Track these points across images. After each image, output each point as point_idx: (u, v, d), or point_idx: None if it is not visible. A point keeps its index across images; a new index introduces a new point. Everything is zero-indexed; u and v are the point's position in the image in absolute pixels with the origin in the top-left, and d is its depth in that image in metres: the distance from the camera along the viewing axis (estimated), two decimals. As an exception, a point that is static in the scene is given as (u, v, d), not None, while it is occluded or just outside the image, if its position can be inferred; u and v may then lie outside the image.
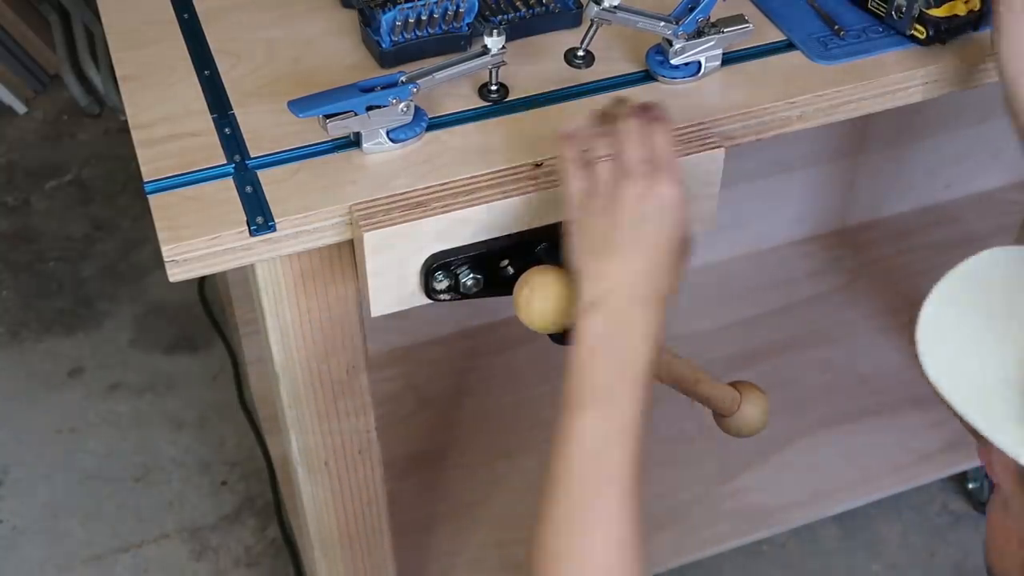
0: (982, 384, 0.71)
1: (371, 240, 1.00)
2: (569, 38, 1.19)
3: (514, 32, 1.17)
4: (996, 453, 0.73)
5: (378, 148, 1.06)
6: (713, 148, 1.08)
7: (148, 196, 1.02)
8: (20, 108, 2.75)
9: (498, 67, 1.10)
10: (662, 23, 1.12)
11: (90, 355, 2.17)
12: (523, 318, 0.98)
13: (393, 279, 1.04)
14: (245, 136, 1.08)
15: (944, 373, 0.73)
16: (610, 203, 0.93)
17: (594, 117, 1.01)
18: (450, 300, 1.06)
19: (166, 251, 0.98)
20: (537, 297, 0.96)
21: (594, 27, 1.13)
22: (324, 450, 1.22)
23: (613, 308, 0.91)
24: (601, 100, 1.13)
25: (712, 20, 1.13)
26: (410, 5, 1.13)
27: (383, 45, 1.14)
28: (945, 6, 1.15)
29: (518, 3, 1.20)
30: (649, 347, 0.91)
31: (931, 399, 0.79)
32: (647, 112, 0.98)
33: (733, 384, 1.17)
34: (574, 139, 0.97)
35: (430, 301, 1.07)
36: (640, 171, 0.93)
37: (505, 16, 1.18)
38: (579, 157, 0.96)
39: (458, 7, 1.14)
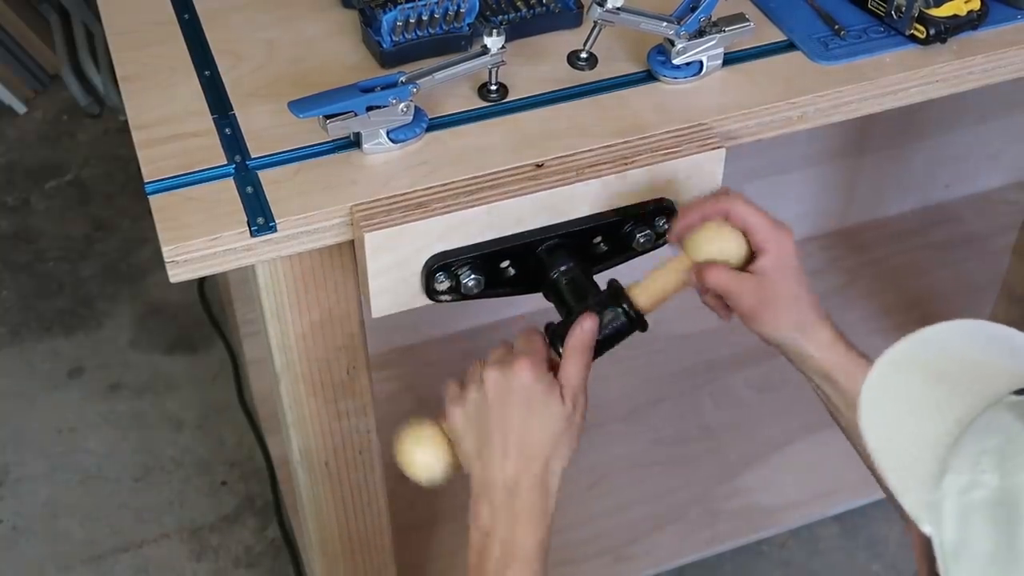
0: (906, 446, 0.70)
1: (372, 241, 1.00)
2: (569, 38, 1.19)
3: (514, 32, 1.17)
4: (911, 530, 0.72)
5: (378, 148, 1.06)
6: (714, 148, 1.08)
7: (149, 196, 1.02)
8: (20, 108, 2.75)
9: (497, 67, 1.10)
10: (664, 23, 1.12)
11: (90, 355, 2.17)
12: (406, 472, 1.02)
13: (394, 280, 1.04)
14: (246, 136, 1.08)
15: (876, 432, 0.72)
16: (475, 393, 0.98)
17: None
18: (451, 301, 1.06)
19: (167, 251, 0.98)
20: (413, 452, 1.00)
21: (597, 28, 1.12)
22: (324, 450, 1.22)
23: (495, 501, 0.96)
24: (604, 100, 1.13)
25: (713, 19, 1.13)
26: (411, 5, 1.13)
27: (384, 45, 1.14)
28: (945, 6, 1.16)
29: (519, 3, 1.20)
30: (537, 530, 0.96)
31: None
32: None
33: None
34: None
35: (431, 302, 1.07)
36: (498, 361, 0.98)
37: (506, 16, 1.18)
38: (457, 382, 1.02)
39: (459, 7, 1.14)
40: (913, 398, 0.72)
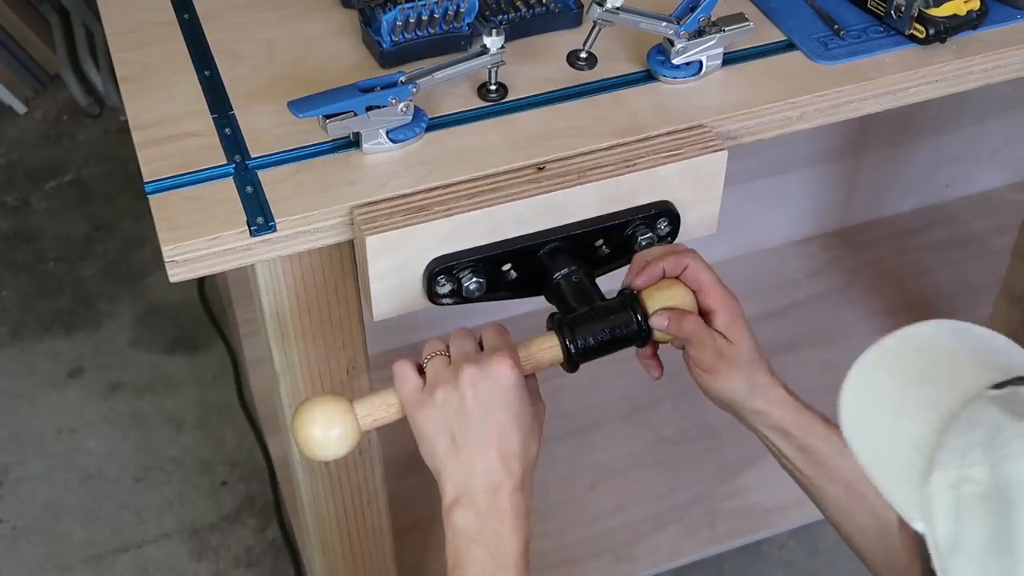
0: (892, 445, 0.70)
1: (374, 245, 1.00)
2: (569, 38, 1.19)
3: (514, 32, 1.17)
4: (901, 529, 0.71)
5: (378, 148, 1.06)
6: (716, 151, 1.08)
7: (148, 196, 1.02)
8: (20, 108, 2.75)
9: (497, 67, 1.10)
10: (664, 23, 1.12)
11: (90, 355, 2.17)
12: (303, 452, 0.98)
13: (395, 283, 1.04)
14: (245, 136, 1.08)
15: (857, 429, 0.72)
16: (450, 393, 0.93)
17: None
18: (452, 304, 1.06)
19: (166, 251, 0.98)
20: (309, 427, 0.95)
21: (597, 28, 1.12)
22: (324, 450, 1.22)
23: (479, 505, 0.92)
24: (603, 100, 1.13)
25: (712, 19, 1.13)
26: (411, 5, 1.13)
27: (383, 45, 1.14)
28: (944, 6, 1.16)
29: (518, 3, 1.20)
30: (520, 534, 0.93)
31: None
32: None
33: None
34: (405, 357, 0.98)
35: (432, 305, 1.06)
36: (471, 358, 0.94)
37: (505, 16, 1.18)
38: (409, 362, 0.97)
39: (458, 7, 1.14)
40: (894, 397, 0.72)
